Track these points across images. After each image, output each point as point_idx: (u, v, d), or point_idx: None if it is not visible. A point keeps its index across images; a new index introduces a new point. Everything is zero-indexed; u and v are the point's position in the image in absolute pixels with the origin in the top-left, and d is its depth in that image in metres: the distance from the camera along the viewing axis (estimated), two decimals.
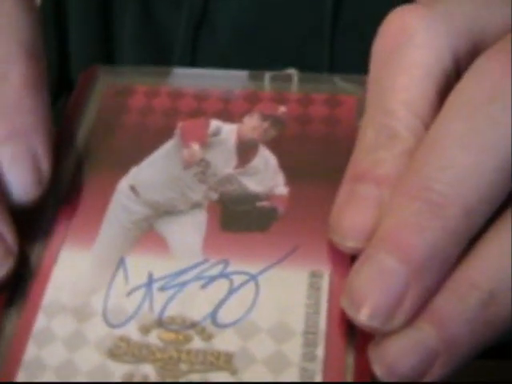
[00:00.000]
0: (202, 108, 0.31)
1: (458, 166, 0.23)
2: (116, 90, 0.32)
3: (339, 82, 0.31)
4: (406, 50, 0.26)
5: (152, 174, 0.29)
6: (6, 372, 0.24)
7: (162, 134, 0.30)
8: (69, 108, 0.31)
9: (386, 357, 0.23)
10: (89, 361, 0.24)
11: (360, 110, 0.30)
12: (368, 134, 0.26)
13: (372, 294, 0.23)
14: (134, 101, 0.31)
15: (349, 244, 0.25)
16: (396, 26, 0.26)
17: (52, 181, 0.27)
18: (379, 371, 0.23)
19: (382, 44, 0.27)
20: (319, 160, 0.29)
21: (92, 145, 0.30)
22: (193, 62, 0.43)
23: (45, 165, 0.27)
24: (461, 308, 0.23)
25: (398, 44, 0.26)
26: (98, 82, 0.32)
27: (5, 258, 0.25)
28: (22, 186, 0.26)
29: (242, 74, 0.32)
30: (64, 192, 0.28)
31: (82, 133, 0.30)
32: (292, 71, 0.31)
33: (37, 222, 0.28)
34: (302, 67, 0.32)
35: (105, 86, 0.32)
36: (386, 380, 0.23)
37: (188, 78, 0.32)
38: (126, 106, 0.31)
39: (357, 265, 0.24)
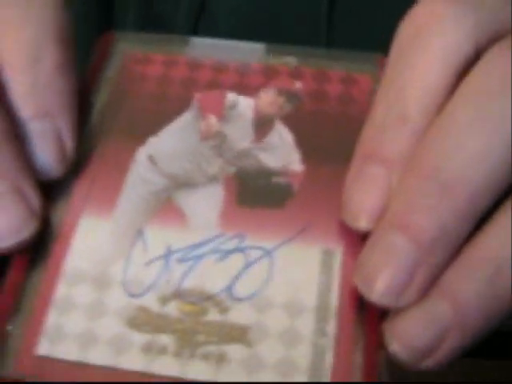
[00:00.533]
0: (218, 80, 0.31)
1: (468, 149, 0.24)
2: (133, 58, 0.32)
3: (355, 60, 0.31)
4: (431, 34, 0.26)
5: (170, 144, 0.29)
6: (28, 339, 0.25)
7: (180, 104, 0.30)
8: (86, 74, 0.31)
9: (401, 332, 0.24)
10: (109, 330, 0.25)
11: (375, 90, 0.30)
12: (378, 112, 0.27)
13: (383, 273, 0.24)
14: (151, 69, 0.31)
15: (358, 224, 0.26)
16: (424, 11, 0.27)
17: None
18: (395, 347, 0.24)
19: (408, 26, 0.27)
20: (334, 139, 0.29)
21: (110, 112, 0.30)
22: None
23: (69, 144, 0.28)
24: (470, 282, 0.24)
25: (423, 27, 0.27)
26: (115, 48, 0.32)
27: (29, 219, 0.26)
28: (47, 163, 0.27)
29: (259, 47, 0.32)
30: (83, 158, 0.29)
31: (100, 100, 0.31)
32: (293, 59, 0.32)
33: (57, 187, 0.28)
34: None
35: (122, 53, 0.32)
36: (401, 355, 0.24)
37: (205, 49, 0.32)
38: (143, 74, 0.31)
39: (368, 244, 0.25)
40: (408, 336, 0.24)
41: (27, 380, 0.24)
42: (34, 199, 0.26)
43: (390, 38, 0.30)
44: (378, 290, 0.24)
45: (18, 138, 0.27)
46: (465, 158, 0.24)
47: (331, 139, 0.29)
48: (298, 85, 0.31)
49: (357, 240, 0.27)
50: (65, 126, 0.28)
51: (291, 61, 0.31)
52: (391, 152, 0.26)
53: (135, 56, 0.32)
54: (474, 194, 0.24)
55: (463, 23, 0.26)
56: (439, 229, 0.24)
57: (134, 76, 0.31)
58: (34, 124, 0.27)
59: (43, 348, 0.25)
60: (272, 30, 0.43)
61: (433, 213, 0.24)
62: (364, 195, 0.26)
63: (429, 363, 0.24)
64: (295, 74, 0.31)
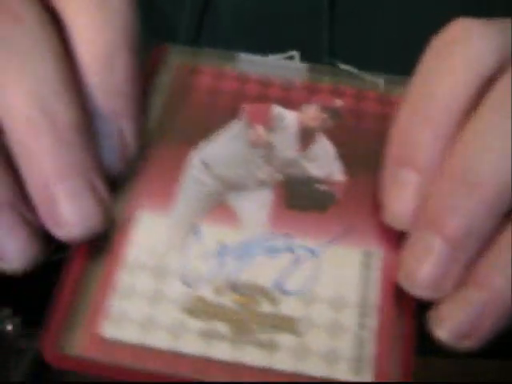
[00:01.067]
0: (265, 94, 0.33)
1: (495, 150, 0.27)
2: (185, 70, 0.34)
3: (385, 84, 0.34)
4: (458, 46, 0.29)
5: (221, 151, 0.32)
6: (93, 322, 0.27)
7: (229, 114, 0.33)
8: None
9: (445, 318, 0.27)
10: (168, 316, 0.27)
11: None
12: (405, 115, 0.29)
13: (423, 270, 0.27)
14: (201, 81, 0.34)
15: (397, 225, 0.29)
16: (457, 27, 0.30)
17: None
18: (440, 332, 0.27)
19: (438, 40, 0.30)
20: (372, 153, 0.32)
21: (164, 118, 0.33)
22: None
23: (131, 146, 0.30)
24: (501, 269, 0.27)
25: (451, 40, 0.29)
26: (167, 59, 0.35)
27: (100, 212, 0.28)
28: (111, 161, 0.29)
29: (301, 66, 0.34)
30: (142, 158, 0.31)
31: (155, 107, 0.33)
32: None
33: (118, 183, 0.30)
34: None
35: (174, 65, 0.34)
36: (446, 339, 0.27)
37: (251, 65, 0.35)
38: (194, 85, 0.34)
39: (408, 244, 0.28)
40: (452, 322, 0.27)
41: (93, 361, 0.26)
42: (105, 193, 0.28)
43: (390, 37, 0.32)
44: (420, 285, 0.27)
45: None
46: (492, 159, 0.27)
47: (369, 154, 0.32)
48: (339, 102, 0.33)
49: (394, 241, 0.29)
50: (130, 129, 0.29)
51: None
52: (421, 158, 0.28)
53: (186, 68, 0.34)
54: (501, 192, 0.27)
55: (489, 38, 0.29)
56: (469, 227, 0.27)
57: (185, 86, 0.34)
58: (104, 124, 0.29)
59: (108, 330, 0.27)
60: (275, 26, 0.44)
61: (462, 213, 0.27)
62: (400, 198, 0.29)
63: (468, 344, 0.27)
64: (336, 93, 0.34)
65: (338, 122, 0.33)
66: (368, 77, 0.34)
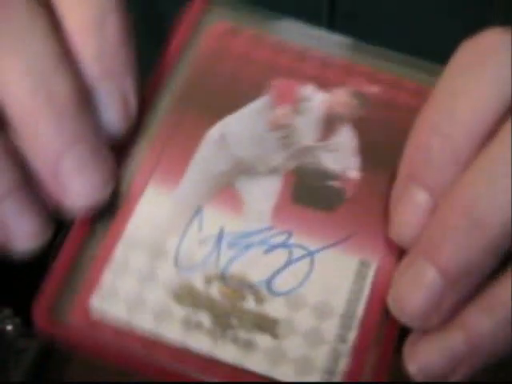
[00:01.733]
0: (300, 68, 0.32)
1: (503, 190, 0.26)
2: (222, 29, 0.33)
3: (430, 72, 0.32)
4: (487, 65, 0.28)
5: (242, 127, 0.31)
6: (84, 293, 0.28)
7: (257, 88, 0.32)
8: (173, 38, 0.33)
9: (418, 357, 0.27)
10: (155, 299, 0.28)
11: None
12: (424, 131, 0.28)
13: (412, 299, 0.27)
14: (236, 45, 0.33)
15: (399, 240, 0.28)
16: (492, 38, 0.28)
17: (144, 117, 0.30)
18: (413, 369, 0.27)
19: (466, 53, 0.28)
20: (394, 151, 0.31)
21: (188, 85, 0.32)
22: None
23: (132, 104, 0.29)
24: (487, 320, 0.26)
25: (480, 57, 0.28)
26: (207, 14, 0.33)
27: (109, 179, 0.28)
28: (113, 121, 0.29)
29: (345, 41, 0.33)
30: (156, 128, 0.31)
31: (180, 71, 0.32)
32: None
33: (127, 153, 0.30)
34: None
35: (213, 21, 0.33)
36: (417, 377, 0.27)
37: (293, 32, 0.33)
38: (227, 50, 0.33)
39: (402, 267, 0.28)
40: (424, 361, 0.27)
41: (78, 332, 0.28)
42: (111, 162, 0.28)
43: (390, 38, 0.31)
44: (407, 314, 0.27)
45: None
46: (499, 198, 0.26)
47: (395, 150, 0.31)
48: (374, 89, 0.32)
49: (393, 254, 0.29)
50: (129, 87, 0.29)
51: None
52: (436, 180, 0.27)
53: (223, 26, 0.33)
54: (503, 235, 0.26)
55: None
56: (466, 264, 0.26)
57: (217, 50, 0.33)
58: (102, 84, 0.29)
59: (96, 303, 0.28)
60: None
61: (462, 248, 0.26)
62: (406, 216, 0.28)
63: None
64: (373, 78, 0.32)
65: (367, 110, 0.32)
66: (412, 61, 0.33)
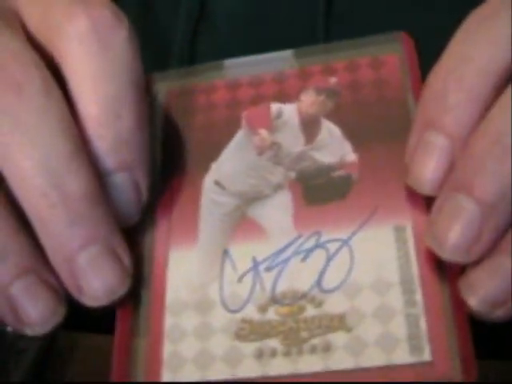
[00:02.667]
0: (259, 94, 0.33)
1: None
2: (175, 93, 0.34)
3: (378, 43, 0.33)
4: (494, 24, 0.28)
5: (231, 165, 0.32)
6: (151, 372, 0.28)
7: (230, 126, 0.33)
8: None
9: (474, 287, 0.26)
10: (220, 346, 0.28)
11: (403, 67, 0.32)
12: (439, 77, 0.28)
13: (452, 232, 0.26)
14: (195, 100, 0.34)
15: (423, 189, 0.28)
16: (487, 7, 0.29)
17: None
18: (471, 300, 0.26)
19: (481, 13, 0.29)
20: (376, 124, 0.31)
21: (168, 148, 0.33)
22: (192, 57, 0.45)
23: (145, 195, 0.30)
24: None
25: (495, 14, 0.28)
26: (157, 87, 0.35)
27: (123, 279, 0.28)
28: (126, 212, 0.29)
29: (288, 54, 0.34)
30: (158, 193, 0.31)
31: (154, 139, 0.33)
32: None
33: (140, 226, 0.31)
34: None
35: (164, 91, 0.34)
36: (476, 307, 0.26)
37: (239, 67, 0.34)
38: (188, 106, 0.34)
39: (436, 206, 0.27)
40: (481, 290, 0.26)
41: None
42: (126, 258, 0.28)
43: None
44: (449, 248, 0.27)
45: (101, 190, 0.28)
46: None
47: (374, 126, 0.31)
48: (333, 80, 0.33)
49: (423, 210, 0.29)
50: (142, 178, 0.29)
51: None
52: (452, 118, 0.27)
53: (176, 91, 0.34)
54: None
55: None
56: (502, 190, 0.26)
57: (180, 110, 0.33)
58: (116, 176, 0.29)
59: (167, 377, 0.28)
60: (270, 29, 0.44)
61: (496, 175, 0.26)
62: (427, 162, 0.28)
63: (500, 314, 0.26)
64: (328, 71, 0.33)
65: (337, 100, 0.32)
66: (357, 42, 0.34)
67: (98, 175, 0.28)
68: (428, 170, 0.28)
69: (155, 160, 0.32)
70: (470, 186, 0.26)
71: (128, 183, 0.29)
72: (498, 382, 0.34)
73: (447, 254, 0.27)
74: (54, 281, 0.28)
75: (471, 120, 0.27)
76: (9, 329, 0.28)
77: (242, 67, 0.34)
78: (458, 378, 0.26)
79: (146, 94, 0.30)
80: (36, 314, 0.28)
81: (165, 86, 0.35)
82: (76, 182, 0.27)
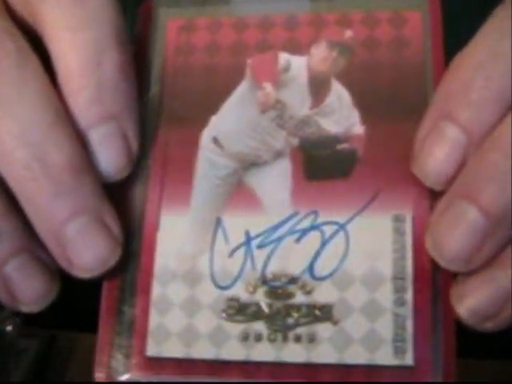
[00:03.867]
0: (267, 40, 0.31)
1: None
2: (177, 27, 0.32)
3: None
4: None
5: (231, 122, 0.30)
6: (137, 344, 0.28)
7: (233, 74, 0.30)
8: (134, 52, 0.31)
9: (465, 298, 0.26)
10: (206, 323, 0.28)
11: (425, 28, 0.30)
12: (466, 66, 0.26)
13: (453, 240, 0.26)
14: (198, 38, 0.31)
15: (430, 182, 0.27)
16: None
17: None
18: (460, 311, 0.26)
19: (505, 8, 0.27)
20: (391, 90, 0.29)
21: (165, 95, 0.31)
22: None
23: (134, 145, 0.28)
24: None
25: None
26: (156, 16, 0.32)
27: (114, 249, 0.28)
28: (114, 165, 0.28)
29: None
30: (150, 151, 0.30)
31: (153, 83, 0.31)
32: None
33: (131, 187, 0.30)
34: None
35: (165, 22, 0.32)
36: (465, 318, 0.26)
37: (248, 4, 0.32)
38: (190, 45, 0.31)
39: (440, 207, 0.27)
40: (471, 300, 0.26)
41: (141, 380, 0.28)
42: (116, 227, 0.28)
43: None
44: (448, 256, 0.26)
45: (85, 143, 0.27)
46: None
47: (389, 91, 0.29)
48: (349, 33, 0.30)
49: (426, 202, 0.28)
50: (130, 127, 0.28)
51: None
52: (472, 117, 0.26)
53: (178, 24, 0.32)
54: None
55: None
56: (509, 204, 0.25)
57: (181, 49, 0.31)
58: (101, 127, 0.28)
59: (152, 349, 0.28)
60: None
61: (506, 189, 0.25)
62: (438, 153, 0.27)
63: (489, 326, 0.26)
64: (343, 22, 0.30)
65: (350, 58, 0.30)
66: None
67: (83, 126, 0.27)
68: (437, 161, 0.27)
69: (149, 107, 0.30)
70: (477, 195, 0.25)
71: (115, 134, 0.28)
72: (497, 381, 0.34)
73: (446, 262, 0.26)
74: (47, 258, 0.28)
75: (492, 120, 0.26)
76: (8, 329, 0.28)
77: (251, 4, 0.32)
78: (438, 380, 0.26)
79: (127, 41, 0.28)
80: (30, 291, 0.28)
81: (165, 16, 0.32)
82: (58, 153, 0.26)
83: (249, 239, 0.28)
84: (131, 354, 0.28)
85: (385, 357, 0.27)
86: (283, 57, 0.30)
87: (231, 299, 0.28)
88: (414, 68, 0.29)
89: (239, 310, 0.28)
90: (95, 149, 0.28)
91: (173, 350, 0.28)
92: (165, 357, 0.28)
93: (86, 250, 0.27)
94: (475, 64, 0.26)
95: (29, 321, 0.29)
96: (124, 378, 0.28)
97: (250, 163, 0.29)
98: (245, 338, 0.27)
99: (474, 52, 0.26)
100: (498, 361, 0.35)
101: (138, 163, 0.29)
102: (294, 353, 0.27)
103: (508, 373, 0.35)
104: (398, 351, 0.27)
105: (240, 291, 0.28)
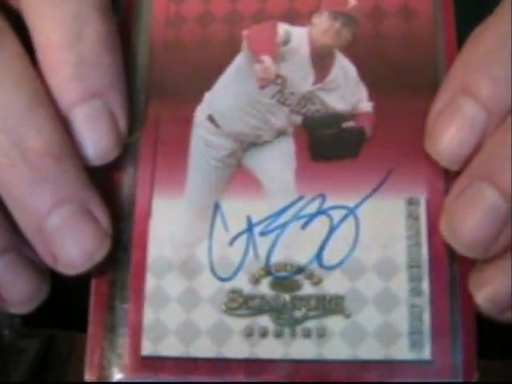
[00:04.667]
0: (265, 9, 0.28)
1: None
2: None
3: None
4: None
5: (228, 98, 0.27)
6: (132, 344, 0.26)
7: (228, 47, 0.28)
8: (119, 24, 0.28)
9: (484, 286, 0.25)
10: (207, 318, 0.26)
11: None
12: (488, 40, 0.25)
13: (470, 226, 0.24)
14: (188, 8, 0.29)
15: (442, 162, 0.25)
16: None
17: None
18: (479, 299, 0.25)
19: None
20: (401, 65, 0.27)
21: (154, 69, 0.28)
22: None
23: (122, 124, 0.26)
24: None
25: None
26: None
27: (101, 241, 0.25)
28: (100, 147, 0.26)
29: None
30: (139, 129, 0.27)
31: (141, 57, 0.28)
32: None
33: (119, 171, 0.27)
34: None
35: None
36: (484, 307, 0.25)
37: None
38: (180, 16, 0.29)
39: (456, 191, 0.25)
40: (490, 288, 0.24)
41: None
42: (104, 218, 0.25)
43: None
44: (465, 242, 0.24)
45: (68, 123, 0.25)
46: None
47: (397, 65, 0.27)
48: (352, 3, 0.28)
49: (440, 183, 0.26)
50: (116, 104, 0.26)
51: None
52: (492, 94, 0.24)
53: None
54: None
55: None
56: None
57: (170, 20, 0.29)
58: (84, 106, 0.25)
59: (147, 349, 0.25)
60: None
61: None
62: (454, 131, 0.25)
63: (509, 316, 0.25)
64: None
65: (354, 30, 0.28)
66: None
67: (65, 105, 0.25)
68: (453, 139, 0.25)
69: (137, 82, 0.28)
70: (497, 177, 0.24)
71: (100, 111, 0.25)
72: (497, 381, 0.33)
73: (462, 249, 0.24)
74: (36, 257, 0.25)
75: None
76: (6, 333, 0.26)
77: None
78: (459, 379, 0.24)
79: (111, 14, 0.26)
80: (18, 292, 0.25)
81: None
82: (37, 137, 0.24)
83: (250, 226, 0.26)
84: (124, 353, 0.26)
85: (401, 351, 0.25)
86: (282, 28, 0.28)
87: (233, 291, 0.26)
88: (424, 40, 0.27)
89: (242, 304, 0.26)
90: (79, 130, 0.25)
91: (170, 348, 0.25)
92: (162, 356, 0.25)
93: (71, 244, 0.24)
94: (499, 36, 0.24)
95: (28, 321, 0.26)
96: (117, 378, 0.25)
97: (249, 143, 0.27)
98: (249, 333, 0.25)
99: (499, 23, 0.24)
100: (500, 361, 0.34)
101: (126, 144, 0.27)
102: (303, 349, 0.25)
103: (508, 372, 0.34)
104: (415, 345, 0.25)
105: (242, 283, 0.26)
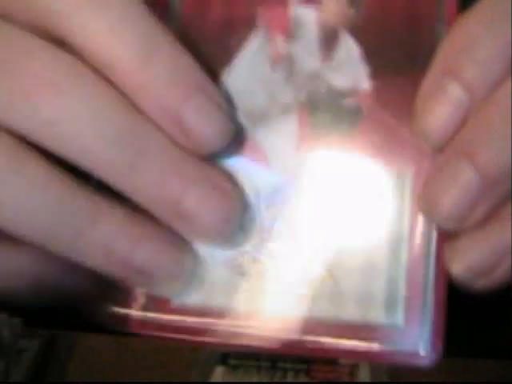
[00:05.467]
0: None
1: None
2: None
3: None
4: None
5: (243, 77, 0.30)
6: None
7: (247, 25, 0.30)
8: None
9: (460, 255, 0.27)
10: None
11: None
12: (474, 23, 0.26)
13: (447, 198, 0.26)
14: None
15: (428, 142, 0.27)
16: None
17: None
18: (454, 268, 0.27)
19: None
20: (403, 45, 0.28)
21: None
22: None
23: (225, 108, 0.28)
24: None
25: None
26: None
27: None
28: (213, 135, 0.27)
29: None
30: None
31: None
32: None
33: None
34: None
35: None
36: (459, 275, 0.27)
37: None
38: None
39: (435, 167, 0.27)
40: (466, 256, 0.26)
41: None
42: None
43: None
44: (441, 214, 0.26)
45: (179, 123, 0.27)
46: None
47: (400, 46, 0.28)
48: None
49: (428, 162, 0.28)
50: (215, 93, 0.28)
51: None
52: (476, 75, 0.26)
53: None
54: None
55: None
56: (506, 166, 0.25)
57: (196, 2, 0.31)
58: (192, 103, 0.27)
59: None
60: None
61: (505, 150, 0.25)
62: (439, 111, 0.26)
63: (484, 283, 0.27)
64: None
65: (361, 13, 0.29)
66: None
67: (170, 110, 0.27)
68: (437, 120, 0.26)
69: None
70: (475, 154, 0.25)
71: (204, 103, 0.27)
72: (497, 381, 0.34)
73: (437, 219, 0.26)
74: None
75: (496, 81, 0.25)
76: (5, 333, 0.29)
77: None
78: (426, 350, 0.27)
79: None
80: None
81: None
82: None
83: (257, 197, 0.30)
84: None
85: (375, 315, 0.28)
86: (295, 8, 0.30)
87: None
88: (429, 22, 0.28)
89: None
90: (190, 123, 0.27)
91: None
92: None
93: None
94: (486, 21, 0.25)
95: (28, 321, 0.29)
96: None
97: (257, 118, 0.30)
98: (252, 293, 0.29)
99: (486, 8, 0.25)
100: (498, 361, 0.35)
101: None
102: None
103: (508, 372, 0.35)
104: (389, 310, 0.28)
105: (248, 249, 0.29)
